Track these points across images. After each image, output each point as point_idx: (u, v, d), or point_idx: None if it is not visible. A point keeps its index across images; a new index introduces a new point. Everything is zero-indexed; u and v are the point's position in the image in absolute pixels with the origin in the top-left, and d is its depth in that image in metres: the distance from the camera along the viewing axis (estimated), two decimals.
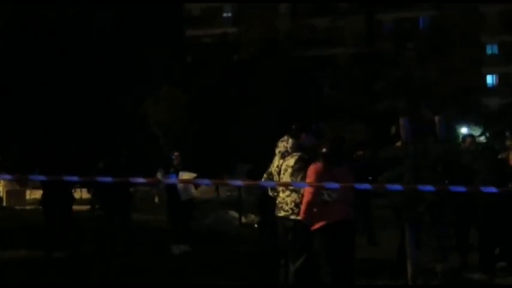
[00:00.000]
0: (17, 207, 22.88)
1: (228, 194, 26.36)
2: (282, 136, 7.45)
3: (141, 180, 5.57)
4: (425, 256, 8.59)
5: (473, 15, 47.14)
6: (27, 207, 22.51)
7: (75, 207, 12.58)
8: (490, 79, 49.45)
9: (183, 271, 9.44)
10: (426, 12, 48.97)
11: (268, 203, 9.23)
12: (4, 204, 24.47)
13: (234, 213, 16.05)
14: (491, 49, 49.40)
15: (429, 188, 5.63)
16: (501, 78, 48.80)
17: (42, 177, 8.70)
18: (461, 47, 43.40)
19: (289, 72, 37.06)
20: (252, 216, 15.13)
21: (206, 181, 5.66)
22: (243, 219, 15.38)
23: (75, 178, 5.07)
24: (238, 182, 6.91)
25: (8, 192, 25.09)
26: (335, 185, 5.90)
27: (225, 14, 53.20)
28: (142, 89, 22.02)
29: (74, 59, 18.45)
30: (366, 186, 5.88)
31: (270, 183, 7.25)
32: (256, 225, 12.38)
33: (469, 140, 9.78)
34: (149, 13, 20.03)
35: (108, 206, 11.34)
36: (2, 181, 24.74)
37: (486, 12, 48.35)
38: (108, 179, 5.20)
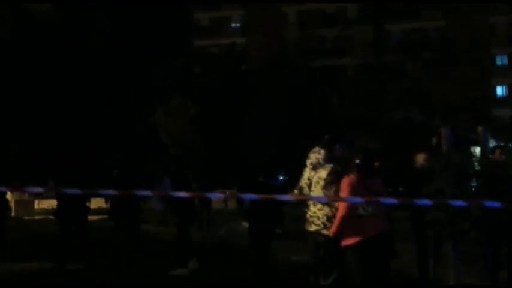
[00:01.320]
0: (26, 217, 22.66)
1: (237, 205, 26.05)
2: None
3: (183, 194, 5.27)
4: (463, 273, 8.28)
5: (482, 26, 46.91)
6: (36, 217, 22.32)
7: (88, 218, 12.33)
8: (500, 90, 49.21)
9: (192, 281, 9.32)
10: (435, 23, 48.72)
11: (255, 211, 9.08)
12: (13, 214, 24.22)
13: (246, 225, 15.78)
14: (501, 60, 49.17)
15: (496, 204, 5.25)
16: (511, 89, 48.55)
17: (77, 191, 8.30)
18: (470, 57, 43.12)
19: (297, 82, 36.84)
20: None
21: (251, 196, 5.35)
22: None
23: (109, 191, 4.79)
24: (288, 197, 6.63)
25: (16, 202, 24.85)
26: (381, 200, 5.58)
27: (233, 24, 53.07)
28: (144, 90, 21.80)
29: (74, 59, 18.23)
30: (427, 202, 5.50)
31: (321, 198, 6.79)
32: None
33: (497, 151, 9.47)
34: (151, 13, 19.77)
35: (117, 217, 11.09)
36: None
37: (495, 23, 48.14)
38: (147, 193, 4.92)
